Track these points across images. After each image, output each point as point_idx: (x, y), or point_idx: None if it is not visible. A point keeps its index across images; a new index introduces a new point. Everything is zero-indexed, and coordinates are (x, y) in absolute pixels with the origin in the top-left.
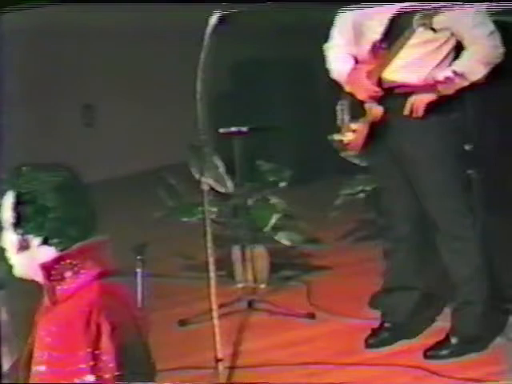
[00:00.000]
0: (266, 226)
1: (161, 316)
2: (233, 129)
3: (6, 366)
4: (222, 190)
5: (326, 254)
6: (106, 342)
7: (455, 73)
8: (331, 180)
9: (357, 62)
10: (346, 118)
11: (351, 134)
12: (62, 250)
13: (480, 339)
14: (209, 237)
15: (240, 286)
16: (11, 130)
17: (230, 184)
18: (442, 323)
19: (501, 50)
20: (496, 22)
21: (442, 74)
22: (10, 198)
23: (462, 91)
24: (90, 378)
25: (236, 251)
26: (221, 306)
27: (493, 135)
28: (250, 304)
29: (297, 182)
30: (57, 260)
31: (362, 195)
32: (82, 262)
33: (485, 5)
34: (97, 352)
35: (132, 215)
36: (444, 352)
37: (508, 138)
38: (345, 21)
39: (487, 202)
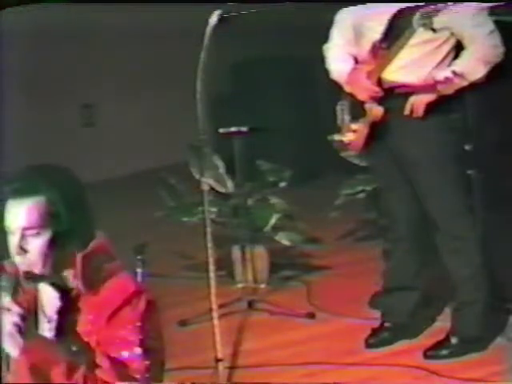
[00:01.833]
0: (266, 225)
1: (161, 316)
2: (233, 129)
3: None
4: (222, 189)
5: (326, 254)
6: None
7: (455, 73)
8: (331, 180)
9: (357, 62)
10: (346, 118)
11: (351, 134)
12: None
13: (480, 339)
14: (209, 237)
15: (240, 286)
16: (11, 130)
17: (230, 184)
18: (442, 323)
19: (501, 49)
20: (496, 22)
21: (441, 74)
22: (37, 203)
23: (461, 91)
24: (138, 350)
25: (236, 251)
26: (221, 306)
27: (493, 135)
28: (250, 304)
29: (297, 182)
30: (90, 254)
31: (362, 195)
32: (106, 255)
33: (485, 4)
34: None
35: (132, 215)
36: (444, 352)
37: (508, 137)
38: (345, 21)
39: (487, 202)
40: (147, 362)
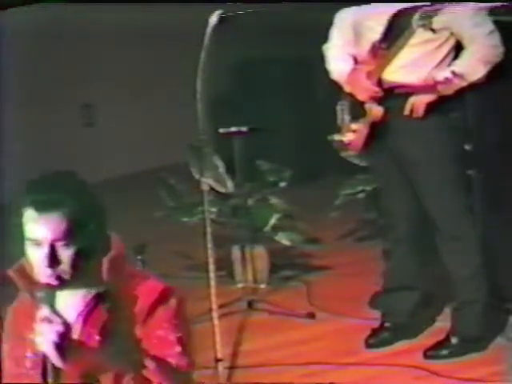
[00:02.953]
0: (266, 225)
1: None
2: (233, 129)
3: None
4: (222, 189)
5: (326, 254)
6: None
7: (455, 73)
8: (331, 180)
9: (356, 62)
10: (346, 118)
11: (351, 134)
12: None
13: (480, 339)
14: (209, 237)
15: (240, 286)
16: (11, 130)
17: (230, 184)
18: (442, 323)
19: (500, 49)
20: (496, 22)
21: (441, 75)
22: (65, 215)
23: (461, 91)
24: (178, 348)
25: (236, 251)
26: (221, 306)
27: (493, 135)
28: (250, 304)
29: (297, 182)
30: (117, 254)
31: (362, 195)
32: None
33: (484, 4)
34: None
35: (132, 215)
36: (444, 352)
37: (508, 137)
38: (344, 21)
39: (487, 202)
40: (188, 359)
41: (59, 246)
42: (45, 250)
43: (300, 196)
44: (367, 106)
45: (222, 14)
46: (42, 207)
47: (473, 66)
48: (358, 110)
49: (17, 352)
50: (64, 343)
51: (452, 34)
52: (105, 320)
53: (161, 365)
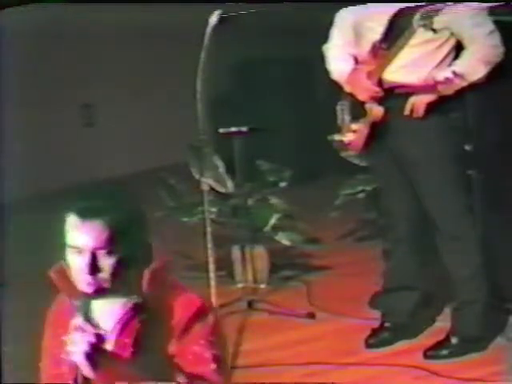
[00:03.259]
0: (266, 225)
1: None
2: (233, 129)
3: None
4: (222, 189)
5: (326, 254)
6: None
7: (455, 73)
8: (331, 180)
9: (357, 62)
10: (346, 118)
11: (351, 134)
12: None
13: (480, 339)
14: (209, 237)
15: (240, 285)
16: (11, 130)
17: (230, 184)
18: (442, 323)
19: (501, 49)
20: (496, 22)
21: (441, 75)
22: (108, 223)
23: (462, 91)
24: (213, 365)
25: (236, 251)
26: (221, 306)
27: (493, 135)
28: (250, 304)
29: (297, 182)
30: (158, 267)
31: (362, 195)
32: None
33: (485, 4)
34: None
35: None
36: (444, 352)
37: (508, 137)
38: (345, 21)
39: (487, 202)
40: (222, 377)
41: (100, 254)
42: (85, 258)
43: (300, 196)
44: (367, 106)
45: (222, 14)
46: (84, 214)
47: (473, 66)
48: (358, 109)
49: (56, 352)
50: (95, 354)
51: (452, 34)
52: (140, 331)
53: (194, 381)
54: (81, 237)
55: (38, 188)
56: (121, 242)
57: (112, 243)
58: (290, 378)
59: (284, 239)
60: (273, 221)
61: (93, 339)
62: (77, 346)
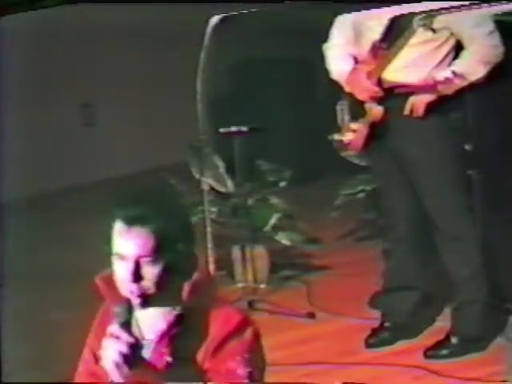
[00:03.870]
0: (266, 225)
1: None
2: (233, 129)
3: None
4: (222, 189)
5: (326, 254)
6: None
7: (455, 73)
8: (331, 180)
9: (357, 62)
10: (346, 117)
11: (351, 134)
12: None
13: (480, 339)
14: (209, 237)
15: (240, 285)
16: (11, 130)
17: (230, 184)
18: (442, 323)
19: (500, 49)
20: (496, 22)
21: (441, 74)
22: (153, 232)
23: (461, 91)
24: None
25: (236, 251)
26: None
27: (493, 135)
28: (250, 304)
29: (297, 182)
30: (200, 279)
31: (361, 195)
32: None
33: (485, 5)
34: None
35: None
36: (444, 352)
37: (508, 137)
38: (345, 21)
39: (487, 202)
40: None
41: (145, 262)
42: (130, 265)
43: (300, 196)
44: (367, 105)
45: (222, 14)
46: (130, 222)
47: (473, 66)
48: (358, 109)
49: (97, 350)
50: (127, 362)
51: (452, 34)
52: (177, 343)
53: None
54: (126, 244)
55: (38, 188)
56: (165, 250)
57: (157, 251)
58: (290, 378)
59: (284, 239)
60: (273, 221)
61: (124, 348)
62: (108, 352)
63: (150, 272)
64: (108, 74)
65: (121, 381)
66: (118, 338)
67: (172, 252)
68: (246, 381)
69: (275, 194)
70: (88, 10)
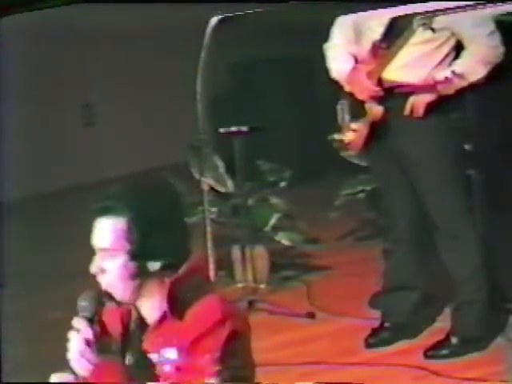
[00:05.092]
0: (266, 225)
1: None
2: (233, 129)
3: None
4: (222, 189)
5: (326, 254)
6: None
7: (455, 73)
8: (331, 180)
9: (357, 61)
10: (346, 117)
11: (351, 134)
12: (175, 271)
13: (480, 339)
14: (209, 237)
15: (240, 285)
16: (11, 130)
17: (230, 184)
18: (442, 323)
19: (501, 49)
20: (496, 22)
21: (441, 75)
22: (115, 225)
23: (462, 91)
24: (214, 380)
25: (236, 251)
26: None
27: (493, 135)
28: (250, 304)
29: (297, 182)
30: (181, 278)
31: (362, 195)
32: (199, 277)
33: (485, 5)
34: (223, 356)
35: None
36: (444, 352)
37: (508, 137)
38: (345, 20)
39: (487, 202)
40: None
41: (107, 255)
42: (96, 257)
43: (300, 196)
44: (367, 105)
45: (222, 14)
46: (100, 214)
47: (473, 67)
48: (358, 109)
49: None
50: (86, 356)
51: (452, 33)
52: (168, 333)
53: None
54: (94, 236)
55: (38, 188)
56: (131, 245)
57: (118, 245)
58: (290, 378)
59: (284, 239)
60: (273, 221)
61: (83, 343)
62: (71, 345)
63: (112, 266)
64: (108, 74)
65: (84, 373)
66: (79, 330)
67: (139, 247)
68: (215, 378)
69: (275, 193)
70: (88, 10)
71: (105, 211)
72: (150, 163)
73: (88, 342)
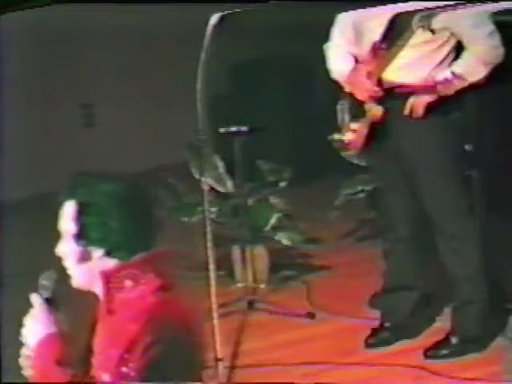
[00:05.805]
0: (266, 225)
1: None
2: (233, 129)
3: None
4: (222, 189)
5: (326, 254)
6: (141, 353)
7: (454, 74)
8: (331, 180)
9: (357, 61)
10: (346, 117)
11: (351, 134)
12: (123, 261)
13: (480, 339)
14: (209, 237)
15: (240, 285)
16: (11, 130)
17: (230, 184)
18: (442, 323)
19: (501, 50)
20: (496, 22)
21: (441, 75)
22: (69, 208)
23: (462, 91)
24: (106, 376)
25: (236, 251)
26: (221, 305)
27: (493, 135)
28: (250, 304)
29: (297, 182)
30: (118, 269)
31: (361, 195)
32: (143, 273)
33: (485, 5)
34: (128, 358)
35: None
36: (444, 352)
37: (508, 137)
38: (345, 21)
39: (487, 202)
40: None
41: (63, 237)
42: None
43: (300, 196)
44: (367, 105)
45: (222, 14)
46: (64, 198)
47: (473, 67)
48: (357, 109)
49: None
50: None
51: (452, 34)
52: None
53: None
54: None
55: (38, 188)
56: (81, 231)
57: (69, 229)
58: (290, 378)
59: (284, 239)
60: (273, 221)
61: (42, 324)
62: (27, 324)
63: (63, 248)
64: (108, 74)
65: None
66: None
67: (90, 233)
68: (130, 364)
69: (275, 193)
70: (88, 9)
71: (66, 195)
72: (150, 163)
73: (38, 319)
